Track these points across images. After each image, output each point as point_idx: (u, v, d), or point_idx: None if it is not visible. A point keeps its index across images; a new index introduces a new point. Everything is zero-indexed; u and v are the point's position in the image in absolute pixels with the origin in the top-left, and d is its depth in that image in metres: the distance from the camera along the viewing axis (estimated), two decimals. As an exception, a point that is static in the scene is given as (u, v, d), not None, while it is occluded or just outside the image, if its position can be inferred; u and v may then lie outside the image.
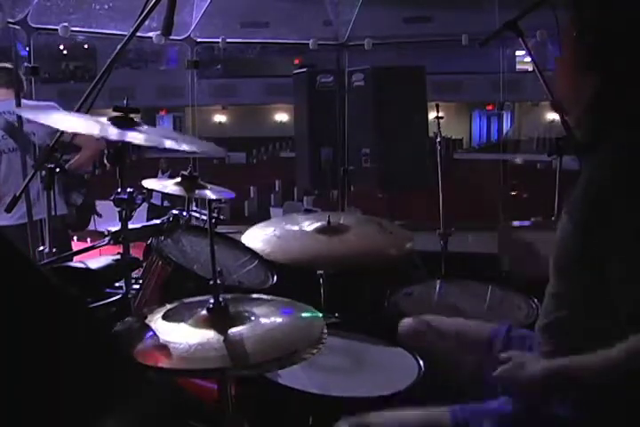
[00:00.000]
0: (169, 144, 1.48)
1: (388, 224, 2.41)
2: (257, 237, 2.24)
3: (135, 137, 1.50)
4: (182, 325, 1.44)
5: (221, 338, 1.36)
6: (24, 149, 3.21)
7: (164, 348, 1.33)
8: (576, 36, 1.32)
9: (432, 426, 1.38)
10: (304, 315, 1.54)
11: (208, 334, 1.38)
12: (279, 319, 1.50)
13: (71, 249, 3.17)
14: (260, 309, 1.53)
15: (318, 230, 2.23)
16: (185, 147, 1.51)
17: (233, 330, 1.40)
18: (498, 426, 1.34)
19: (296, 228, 2.28)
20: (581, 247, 1.26)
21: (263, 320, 1.46)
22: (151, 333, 1.42)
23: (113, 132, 1.49)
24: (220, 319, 1.43)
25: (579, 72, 1.33)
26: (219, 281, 1.46)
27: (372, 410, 1.45)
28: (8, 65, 3.30)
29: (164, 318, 1.50)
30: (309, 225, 2.28)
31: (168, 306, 1.59)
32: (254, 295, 1.70)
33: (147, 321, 1.49)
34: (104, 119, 1.55)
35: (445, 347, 1.71)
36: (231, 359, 1.31)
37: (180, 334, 1.39)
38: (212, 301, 1.46)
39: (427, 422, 1.39)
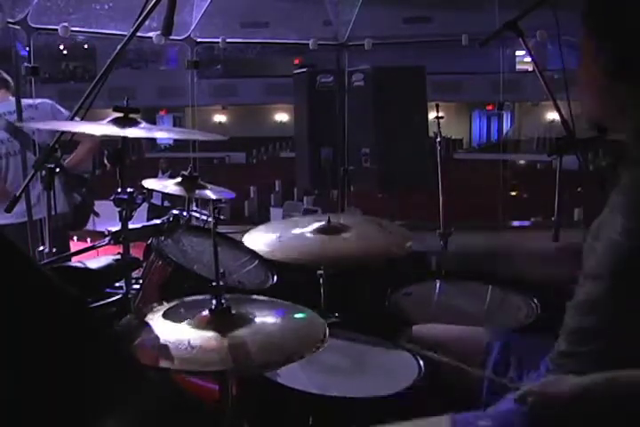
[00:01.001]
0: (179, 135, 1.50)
1: (388, 224, 2.41)
2: (259, 240, 2.23)
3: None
4: (184, 326, 1.44)
5: (223, 340, 1.36)
6: (25, 147, 3.22)
7: (165, 349, 1.33)
8: (595, 49, 1.27)
9: None
10: (304, 316, 1.54)
11: (210, 336, 1.38)
12: (280, 321, 1.50)
13: (69, 249, 3.18)
14: (262, 310, 1.53)
15: (318, 230, 2.22)
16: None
17: (235, 332, 1.39)
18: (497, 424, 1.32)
19: (297, 230, 2.27)
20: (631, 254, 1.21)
21: (265, 322, 1.46)
22: (152, 334, 1.42)
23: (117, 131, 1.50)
24: (222, 321, 1.43)
25: (605, 85, 1.28)
26: (221, 282, 1.46)
27: (372, 410, 1.45)
28: (3, 73, 3.35)
29: (165, 318, 1.50)
30: (309, 225, 2.28)
31: (169, 305, 1.58)
32: (256, 297, 1.69)
33: (147, 321, 1.49)
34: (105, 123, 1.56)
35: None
36: (233, 362, 1.30)
37: (181, 336, 1.39)
38: (214, 302, 1.46)
39: None
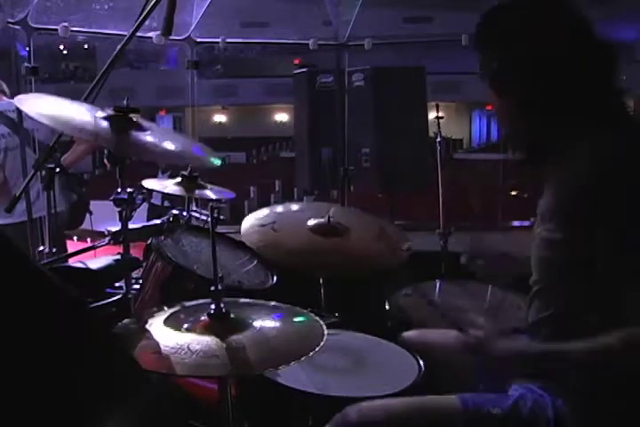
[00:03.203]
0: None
1: (388, 225, 2.41)
2: (254, 226, 2.22)
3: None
4: (183, 331, 1.43)
5: (222, 345, 1.35)
6: (25, 144, 3.22)
7: (164, 355, 1.33)
8: (492, 68, 1.43)
9: (439, 410, 1.38)
10: (303, 319, 1.53)
11: (209, 341, 1.37)
12: (279, 325, 1.49)
13: (66, 248, 3.18)
14: (261, 314, 1.52)
15: (317, 231, 2.22)
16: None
17: (234, 336, 1.39)
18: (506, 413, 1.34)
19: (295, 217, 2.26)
20: (574, 247, 1.28)
21: (264, 326, 1.46)
22: (151, 340, 1.41)
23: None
24: (221, 325, 1.42)
25: (502, 103, 1.42)
26: (220, 286, 1.45)
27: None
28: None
29: (165, 323, 1.49)
30: (309, 222, 2.26)
31: (169, 311, 1.57)
32: (255, 300, 1.68)
33: (147, 325, 1.48)
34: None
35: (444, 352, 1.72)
36: (232, 367, 1.30)
37: (181, 341, 1.38)
38: (212, 306, 1.45)
39: (433, 407, 1.39)
